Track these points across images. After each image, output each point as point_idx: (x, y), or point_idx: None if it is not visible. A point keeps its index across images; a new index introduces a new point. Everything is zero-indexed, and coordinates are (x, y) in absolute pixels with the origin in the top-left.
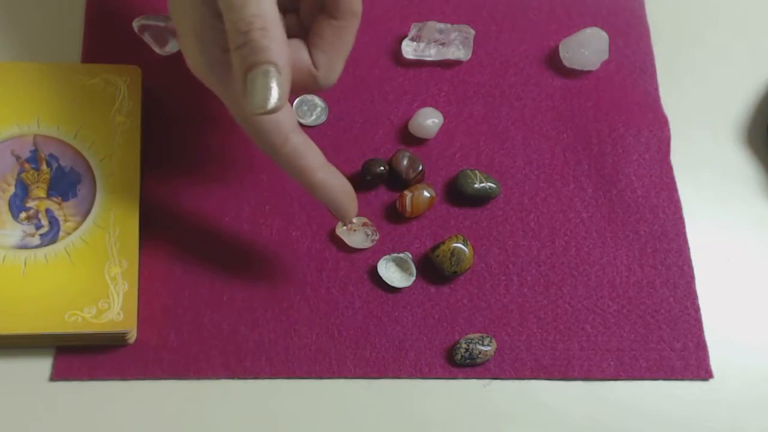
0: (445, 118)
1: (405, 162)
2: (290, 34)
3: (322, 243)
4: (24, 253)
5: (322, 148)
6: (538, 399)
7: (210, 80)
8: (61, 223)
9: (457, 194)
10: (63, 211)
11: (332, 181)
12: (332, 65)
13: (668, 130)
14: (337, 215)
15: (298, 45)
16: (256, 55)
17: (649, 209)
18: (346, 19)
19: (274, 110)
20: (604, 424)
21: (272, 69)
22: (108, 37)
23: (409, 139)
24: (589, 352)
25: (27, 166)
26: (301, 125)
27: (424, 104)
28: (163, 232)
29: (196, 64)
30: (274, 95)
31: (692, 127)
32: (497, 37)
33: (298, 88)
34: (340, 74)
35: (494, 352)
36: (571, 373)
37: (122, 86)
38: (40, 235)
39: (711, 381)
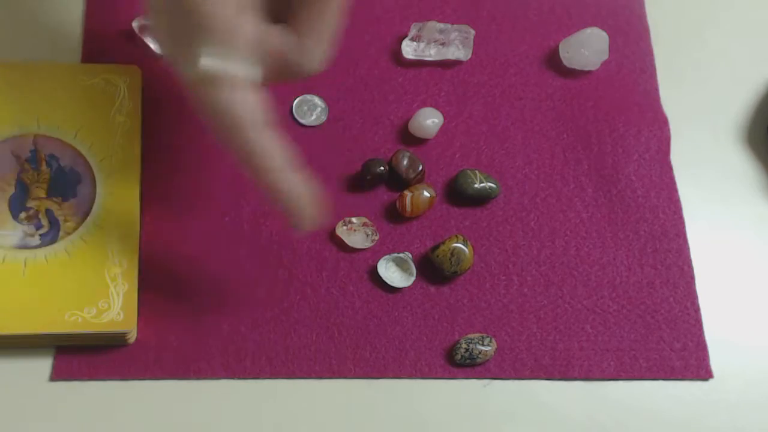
0: (445, 118)
1: (405, 162)
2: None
3: (322, 243)
4: (24, 253)
5: (322, 148)
6: (538, 399)
7: (165, 53)
8: (61, 223)
9: (457, 194)
10: (63, 211)
11: (288, 185)
12: (315, 48)
13: (668, 130)
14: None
15: (280, 30)
16: (193, 17)
17: (649, 209)
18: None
19: (209, 75)
20: (604, 424)
21: (210, 32)
22: (108, 37)
23: (409, 139)
24: (589, 352)
25: (27, 166)
26: (301, 125)
27: (424, 104)
28: (163, 232)
29: (164, 47)
30: (209, 58)
31: (692, 127)
32: (497, 37)
33: (281, 75)
34: (326, 59)
35: (494, 352)
36: (571, 373)
37: (122, 86)
38: (40, 235)
39: (711, 381)
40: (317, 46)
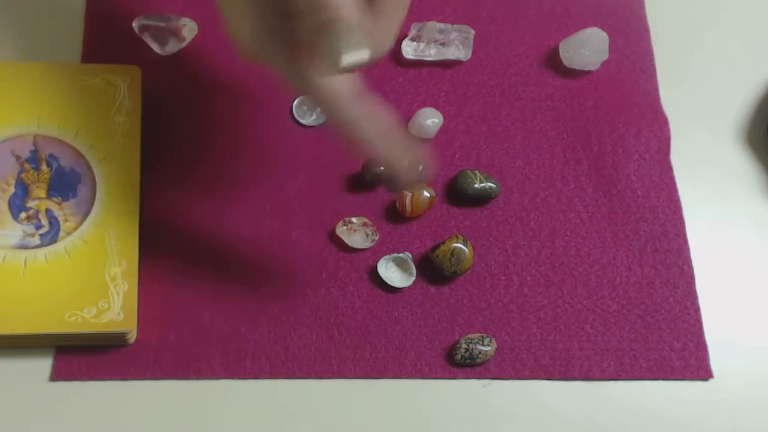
0: (445, 118)
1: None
2: None
3: (322, 243)
4: (24, 253)
5: (322, 148)
6: (538, 399)
7: (268, 54)
8: (61, 223)
9: (457, 194)
10: (63, 211)
11: (398, 146)
12: (389, 30)
13: (668, 130)
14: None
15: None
16: (330, 11)
17: (649, 209)
18: None
19: (359, 64)
20: (604, 424)
21: (349, 24)
22: (108, 37)
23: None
24: (589, 352)
25: (27, 166)
26: (301, 125)
27: (424, 104)
28: (163, 232)
29: (251, 40)
30: (356, 50)
31: (692, 127)
32: (497, 37)
33: None
34: (395, 40)
35: (494, 352)
36: (571, 373)
37: (122, 86)
38: (40, 235)
39: (711, 381)
40: (393, 28)
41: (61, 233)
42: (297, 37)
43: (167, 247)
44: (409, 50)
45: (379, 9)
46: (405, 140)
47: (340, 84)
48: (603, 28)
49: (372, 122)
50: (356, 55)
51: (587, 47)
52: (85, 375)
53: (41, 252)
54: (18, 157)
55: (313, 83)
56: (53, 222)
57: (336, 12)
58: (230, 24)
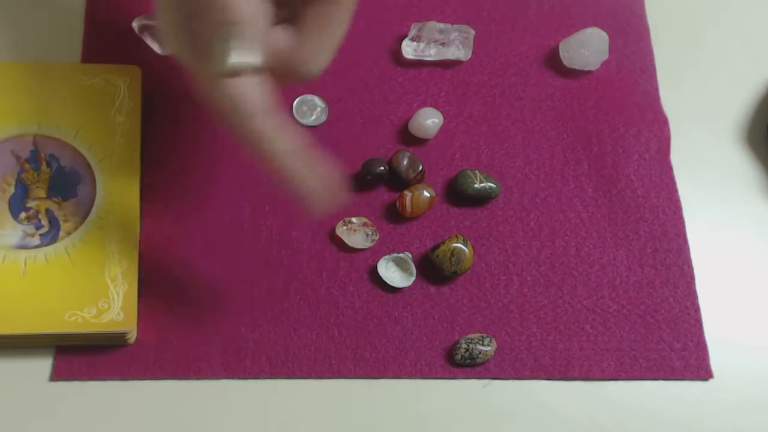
0: (445, 118)
1: (405, 162)
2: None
3: (322, 243)
4: (24, 253)
5: (322, 149)
6: (538, 399)
7: (179, 53)
8: (61, 223)
9: (457, 194)
10: (63, 211)
11: (300, 170)
12: (316, 53)
13: (668, 130)
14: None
15: (283, 31)
16: (218, 14)
17: (649, 209)
18: (332, 5)
19: (237, 70)
20: (604, 424)
21: (237, 28)
22: (108, 37)
23: (409, 139)
24: (589, 352)
25: (27, 166)
26: (301, 125)
27: (424, 104)
28: (163, 232)
29: (168, 37)
30: (239, 53)
31: (692, 127)
32: (497, 37)
33: (280, 76)
34: (327, 64)
35: (494, 352)
36: (571, 373)
37: (122, 86)
38: (40, 235)
39: (711, 381)
40: (320, 51)
41: (61, 233)
42: (201, 36)
43: (167, 247)
44: (409, 50)
45: (306, 30)
46: (314, 162)
47: (246, 93)
48: (603, 28)
49: (278, 140)
50: (244, 57)
51: (587, 47)
52: (85, 375)
53: (41, 252)
54: (18, 157)
55: (217, 86)
56: (53, 222)
57: (232, 15)
58: (158, 16)
